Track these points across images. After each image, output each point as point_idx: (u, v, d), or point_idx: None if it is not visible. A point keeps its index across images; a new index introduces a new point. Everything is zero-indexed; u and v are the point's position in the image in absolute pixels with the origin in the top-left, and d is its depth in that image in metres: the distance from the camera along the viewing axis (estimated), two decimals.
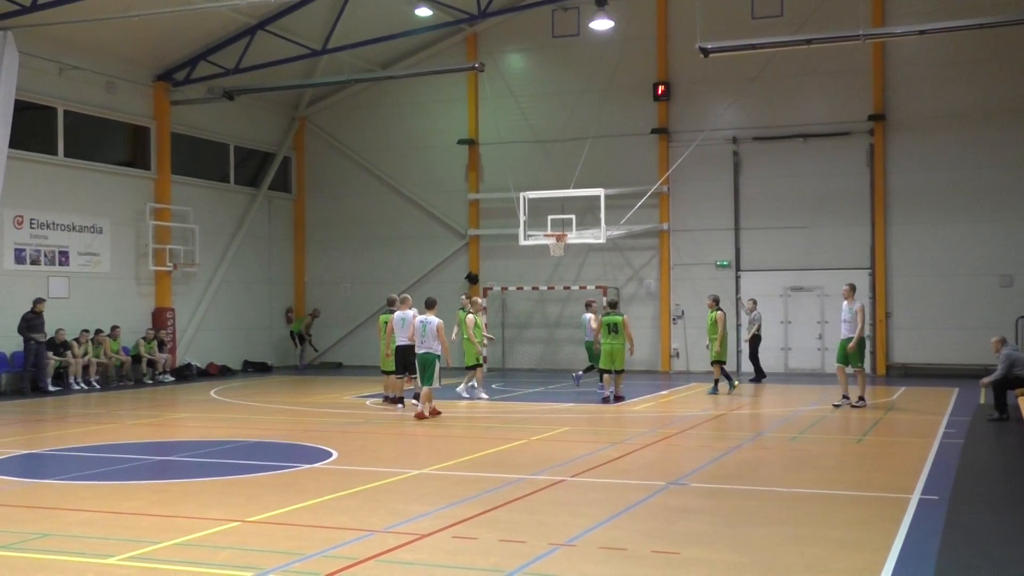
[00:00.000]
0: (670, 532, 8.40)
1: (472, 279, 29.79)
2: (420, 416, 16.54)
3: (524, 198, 25.06)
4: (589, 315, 22.12)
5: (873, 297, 26.33)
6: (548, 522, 8.74)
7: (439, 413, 16.93)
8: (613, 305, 19.75)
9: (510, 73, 29.74)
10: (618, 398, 19.15)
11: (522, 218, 24.97)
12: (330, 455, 12.65)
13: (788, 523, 8.78)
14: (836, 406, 17.69)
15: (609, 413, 17.91)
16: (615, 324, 19.03)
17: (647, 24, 28.16)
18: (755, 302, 24.34)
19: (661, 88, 27.89)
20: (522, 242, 25.18)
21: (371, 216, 31.23)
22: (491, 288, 29.36)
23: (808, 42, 22.61)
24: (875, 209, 26.36)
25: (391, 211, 31.01)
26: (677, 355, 27.89)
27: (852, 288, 17.89)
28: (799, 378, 25.13)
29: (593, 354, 21.47)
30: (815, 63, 26.43)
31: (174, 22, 24.03)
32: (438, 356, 16.80)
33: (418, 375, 16.90)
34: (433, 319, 16.73)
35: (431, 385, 16.77)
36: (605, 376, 19.52)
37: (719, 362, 20.93)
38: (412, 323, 17.11)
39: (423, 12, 26.63)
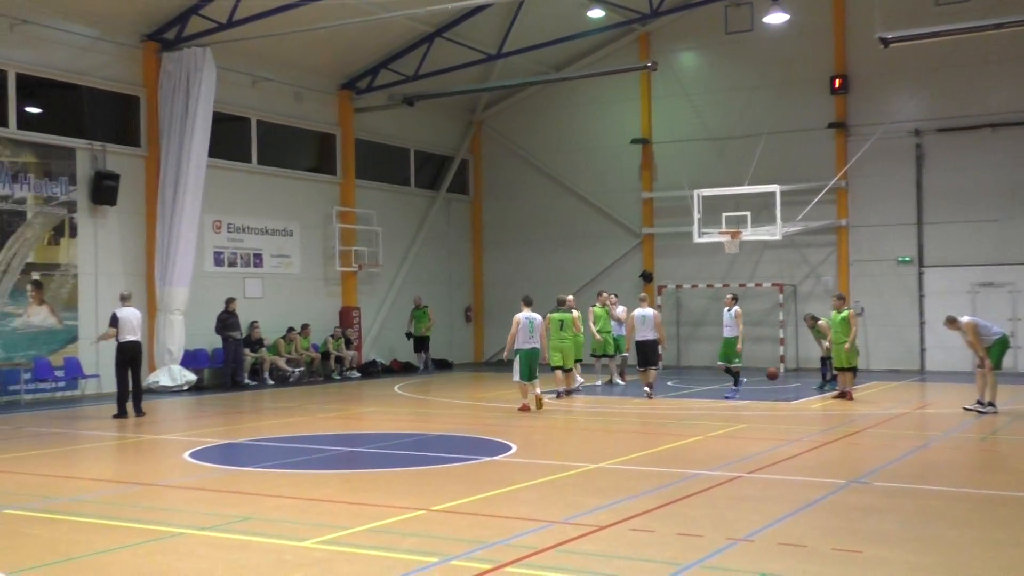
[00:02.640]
0: (852, 530, 8.26)
1: (646, 277, 29.77)
2: (525, 408, 17.08)
3: (698, 196, 24.94)
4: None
5: None
6: (726, 517, 8.75)
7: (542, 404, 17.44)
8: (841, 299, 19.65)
9: (683, 71, 29.56)
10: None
11: (696, 216, 24.85)
12: (509, 448, 12.96)
13: (980, 526, 8.48)
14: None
15: (787, 411, 17.65)
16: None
17: (823, 16, 27.47)
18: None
19: (838, 81, 27.15)
20: (696, 240, 25.08)
21: (546, 216, 31.62)
22: (665, 286, 29.29)
23: (998, 27, 21.59)
24: None
25: (566, 211, 31.32)
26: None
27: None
28: None
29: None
30: (1004, 48, 25.14)
31: (357, 33, 25.04)
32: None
33: (526, 371, 17.21)
34: (537, 316, 17.50)
35: (536, 379, 17.43)
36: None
37: (852, 368, 18.91)
38: (530, 322, 17.38)
39: (595, 13, 26.82)
